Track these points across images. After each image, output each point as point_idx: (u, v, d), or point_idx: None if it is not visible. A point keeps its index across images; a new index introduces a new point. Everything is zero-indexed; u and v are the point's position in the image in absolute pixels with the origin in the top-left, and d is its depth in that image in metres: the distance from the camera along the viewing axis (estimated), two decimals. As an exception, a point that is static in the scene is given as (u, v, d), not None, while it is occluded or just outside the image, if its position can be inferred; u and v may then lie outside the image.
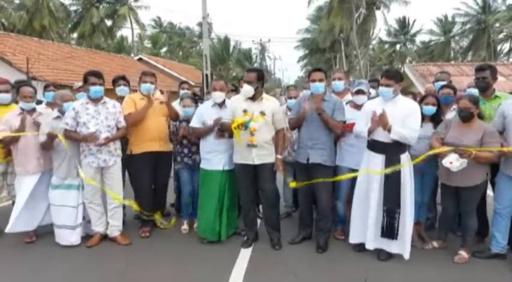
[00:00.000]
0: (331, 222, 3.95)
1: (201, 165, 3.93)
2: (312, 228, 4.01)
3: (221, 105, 3.85)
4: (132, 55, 28.86)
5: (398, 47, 45.56)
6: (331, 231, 3.95)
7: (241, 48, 42.86)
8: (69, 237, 3.81)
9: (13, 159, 3.93)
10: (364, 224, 3.53)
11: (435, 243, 3.77)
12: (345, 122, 3.73)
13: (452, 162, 3.13)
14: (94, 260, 3.60)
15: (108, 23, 35.29)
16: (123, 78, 4.64)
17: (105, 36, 35.17)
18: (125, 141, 4.17)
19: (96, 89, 3.75)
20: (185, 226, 4.29)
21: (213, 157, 3.81)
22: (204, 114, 3.85)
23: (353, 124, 3.72)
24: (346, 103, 3.97)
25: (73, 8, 34.58)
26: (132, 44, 38.76)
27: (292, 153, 4.21)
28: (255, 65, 47.00)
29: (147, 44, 45.14)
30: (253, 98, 3.63)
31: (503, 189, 3.42)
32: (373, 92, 4.61)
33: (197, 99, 4.57)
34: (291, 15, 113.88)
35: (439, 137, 3.45)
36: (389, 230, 3.40)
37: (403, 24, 43.53)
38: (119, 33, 38.73)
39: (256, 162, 3.64)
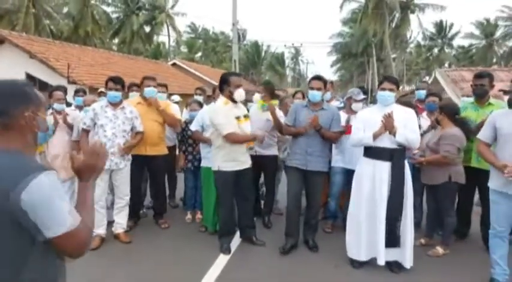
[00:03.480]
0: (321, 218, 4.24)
1: (202, 164, 4.36)
2: (299, 236, 3.96)
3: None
4: (169, 60, 30.11)
5: (436, 50, 44.24)
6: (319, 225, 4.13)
7: (274, 52, 43.39)
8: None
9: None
10: (363, 238, 3.40)
11: (422, 241, 3.99)
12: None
13: None
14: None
15: (147, 29, 37.06)
16: (136, 85, 5.02)
17: (143, 42, 36.94)
18: None
19: (111, 94, 3.96)
20: (189, 216, 4.79)
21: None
22: (204, 119, 4.19)
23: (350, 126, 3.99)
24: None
25: (115, 16, 36.68)
26: (169, 49, 40.35)
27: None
28: (288, 69, 47.30)
29: (183, 49, 46.79)
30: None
31: (499, 208, 2.98)
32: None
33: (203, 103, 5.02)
34: (325, 19, 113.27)
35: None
36: (393, 239, 3.30)
37: (440, 27, 42.22)
38: (158, 39, 40.58)
39: (249, 165, 3.86)
